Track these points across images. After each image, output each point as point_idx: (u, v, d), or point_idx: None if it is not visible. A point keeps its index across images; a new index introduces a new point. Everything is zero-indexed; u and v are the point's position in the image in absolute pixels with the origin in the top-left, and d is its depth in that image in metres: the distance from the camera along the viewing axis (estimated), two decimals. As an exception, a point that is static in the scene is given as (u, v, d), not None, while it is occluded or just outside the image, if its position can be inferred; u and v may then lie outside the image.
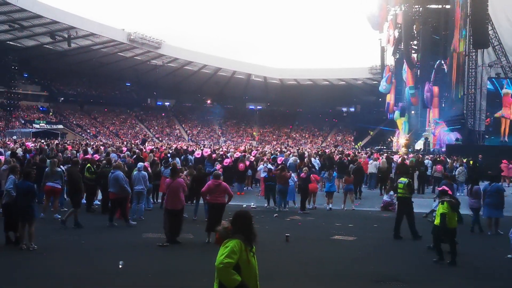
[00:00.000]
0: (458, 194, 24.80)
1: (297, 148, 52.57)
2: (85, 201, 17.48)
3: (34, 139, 49.91)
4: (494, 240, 14.52)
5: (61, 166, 17.19)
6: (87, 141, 52.06)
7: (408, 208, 14.22)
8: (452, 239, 11.28)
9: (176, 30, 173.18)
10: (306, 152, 31.38)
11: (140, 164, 16.78)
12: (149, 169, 17.93)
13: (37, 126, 68.99)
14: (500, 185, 15.55)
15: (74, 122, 77.01)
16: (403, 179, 14.67)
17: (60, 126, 71.54)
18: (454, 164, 26.69)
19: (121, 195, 14.54)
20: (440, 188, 12.50)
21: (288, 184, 19.02)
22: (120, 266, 9.77)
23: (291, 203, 19.94)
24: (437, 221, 11.37)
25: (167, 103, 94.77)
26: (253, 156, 27.31)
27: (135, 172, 16.06)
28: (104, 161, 17.79)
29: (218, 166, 22.05)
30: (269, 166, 21.67)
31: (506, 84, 34.85)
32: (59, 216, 15.05)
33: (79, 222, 14.05)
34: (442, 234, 11.28)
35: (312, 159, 26.15)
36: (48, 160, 16.53)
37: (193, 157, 26.27)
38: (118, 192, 14.41)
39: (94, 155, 20.81)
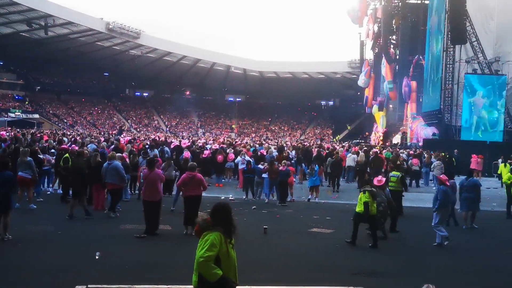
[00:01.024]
0: (434, 188, 25.16)
1: (276, 140, 52.72)
2: (60, 191, 17.35)
3: (9, 128, 49.32)
4: (469, 233, 14.72)
5: (40, 156, 17.08)
6: (64, 131, 51.62)
7: (398, 202, 14.34)
8: (372, 226, 12.30)
9: (155, 20, 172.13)
10: (285, 145, 31.52)
11: (118, 154, 16.61)
12: (127, 159, 17.80)
13: (13, 115, 68.09)
14: (477, 180, 15.75)
15: (50, 112, 76.15)
16: (396, 173, 14.84)
17: (36, 116, 70.70)
18: (431, 159, 26.96)
19: (120, 185, 14.53)
20: (375, 178, 13.52)
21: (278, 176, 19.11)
22: (97, 257, 9.70)
23: (265, 195, 20.03)
24: (359, 208, 12.18)
25: (145, 94, 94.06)
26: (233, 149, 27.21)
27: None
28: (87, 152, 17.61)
29: (186, 153, 22.16)
30: (247, 158, 21.71)
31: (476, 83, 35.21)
32: (34, 206, 14.92)
33: (72, 214, 13.94)
34: (365, 220, 12.23)
35: (289, 152, 26.25)
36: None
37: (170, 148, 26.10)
38: (117, 182, 14.35)
39: (72, 146, 20.58)
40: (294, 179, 20.61)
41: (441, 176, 13.63)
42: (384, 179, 13.90)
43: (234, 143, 32.30)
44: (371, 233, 12.26)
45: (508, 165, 26.14)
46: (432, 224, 12.61)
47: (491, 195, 22.33)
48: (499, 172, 26.44)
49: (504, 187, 19.77)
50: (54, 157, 18.87)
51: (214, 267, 5.01)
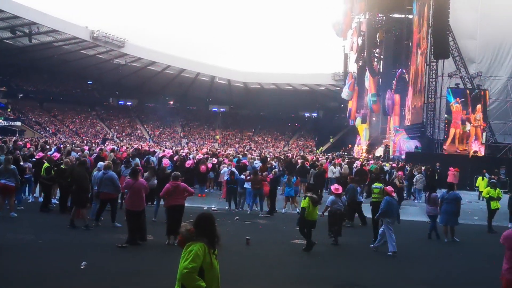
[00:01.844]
0: (416, 201, 25.33)
1: (259, 151, 52.71)
2: (41, 200, 17.24)
3: (-9, 135, 48.77)
4: (451, 247, 14.82)
5: (22, 164, 16.98)
6: (46, 139, 51.19)
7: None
8: (309, 230, 12.96)
9: (140, 29, 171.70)
10: (268, 156, 31.54)
11: (100, 163, 16.58)
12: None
13: (-6, 122, 67.34)
14: (457, 193, 15.85)
15: (33, 119, 75.44)
16: (379, 184, 14.94)
17: (19, 123, 69.89)
18: (414, 172, 27.13)
19: (115, 195, 14.45)
20: (332, 186, 15.07)
21: (263, 187, 19.12)
22: (83, 267, 9.61)
23: (248, 206, 20.01)
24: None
25: (129, 103, 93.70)
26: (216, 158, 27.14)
27: (95, 172, 15.88)
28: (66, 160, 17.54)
29: (165, 161, 22.13)
30: (233, 169, 21.68)
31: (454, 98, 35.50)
32: (15, 215, 14.78)
33: (74, 223, 13.95)
34: (304, 224, 13.01)
35: (273, 163, 26.27)
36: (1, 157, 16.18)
37: (156, 158, 26.00)
38: (112, 191, 14.25)
39: (54, 154, 20.42)
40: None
41: (387, 187, 13.92)
42: (340, 187, 14.79)
43: (217, 153, 32.22)
44: (306, 238, 13.00)
45: (486, 178, 26.50)
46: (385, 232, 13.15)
47: (473, 209, 22.54)
48: (477, 185, 26.72)
49: (483, 200, 20.00)
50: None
51: (198, 279, 4.99)
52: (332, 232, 14.03)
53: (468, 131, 35.21)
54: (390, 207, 13.17)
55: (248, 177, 19.72)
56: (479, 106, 35.08)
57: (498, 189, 18.86)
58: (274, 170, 20.31)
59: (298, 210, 19.98)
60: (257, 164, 24.63)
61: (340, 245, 13.87)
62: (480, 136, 35.25)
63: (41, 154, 19.70)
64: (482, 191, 23.81)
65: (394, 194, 13.81)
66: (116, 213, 14.66)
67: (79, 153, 21.99)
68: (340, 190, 14.52)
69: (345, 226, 15.99)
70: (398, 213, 13.62)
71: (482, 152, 35.14)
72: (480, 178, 27.14)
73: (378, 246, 13.43)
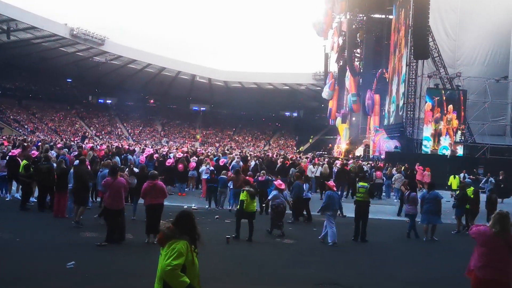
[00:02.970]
0: (395, 200, 25.48)
1: (240, 150, 52.69)
2: (19, 198, 17.07)
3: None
4: (429, 246, 14.92)
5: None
6: (25, 137, 50.67)
7: (366, 212, 14.63)
8: (251, 221, 14.02)
9: (120, 27, 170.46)
10: (249, 155, 31.53)
11: (77, 161, 16.47)
12: (88, 167, 17.56)
13: (-29, 119, 66.57)
14: (437, 192, 15.92)
15: (11, 117, 74.50)
16: (364, 184, 15.02)
17: (-4, 121, 69.27)
18: (393, 171, 27.29)
19: None
20: (275, 181, 16.37)
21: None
22: (71, 266, 9.53)
23: (229, 204, 20.01)
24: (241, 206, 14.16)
25: (109, 101, 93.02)
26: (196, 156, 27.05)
27: (72, 170, 15.75)
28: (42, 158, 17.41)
29: (142, 157, 22.06)
30: (211, 168, 21.66)
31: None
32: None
33: (79, 221, 13.90)
34: (242, 216, 14.08)
35: (253, 162, 26.29)
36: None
37: (135, 157, 25.84)
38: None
39: (32, 152, 20.21)
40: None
41: (329, 182, 15.13)
42: (283, 183, 16.20)
43: (196, 152, 32.12)
44: (250, 228, 13.92)
45: (457, 177, 26.79)
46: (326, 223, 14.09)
47: (451, 208, 22.63)
48: (449, 183, 26.94)
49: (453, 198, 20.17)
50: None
51: (182, 275, 4.99)
52: (279, 225, 14.96)
53: (439, 130, 35.62)
54: (332, 201, 14.10)
55: (231, 176, 19.76)
56: (450, 107, 35.47)
57: (471, 188, 19.03)
58: (262, 171, 20.35)
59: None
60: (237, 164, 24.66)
61: (321, 244, 13.92)
62: (451, 135, 35.59)
63: (15, 151, 19.40)
64: (455, 189, 24.02)
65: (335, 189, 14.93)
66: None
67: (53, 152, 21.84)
68: (283, 186, 15.81)
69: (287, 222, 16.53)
70: (341, 205, 14.72)
71: (459, 151, 35.49)
72: (452, 176, 27.36)
73: (325, 236, 14.07)
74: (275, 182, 16.30)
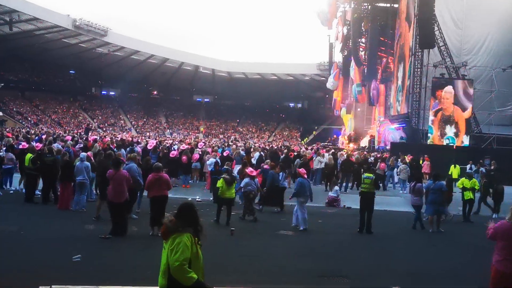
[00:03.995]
0: (400, 191, 25.46)
1: (244, 142, 52.70)
2: (24, 191, 17.12)
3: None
4: (435, 237, 14.92)
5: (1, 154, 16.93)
6: (28, 129, 50.80)
7: (372, 203, 14.62)
8: (229, 207, 15.04)
9: (123, 18, 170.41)
10: (252, 147, 31.53)
11: (83, 154, 16.54)
12: (92, 159, 17.60)
13: (-26, 112, 66.63)
14: (443, 183, 15.90)
15: (14, 109, 74.54)
16: (369, 174, 14.99)
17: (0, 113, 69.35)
18: (398, 162, 27.25)
19: (134, 188, 14.06)
20: (247, 169, 17.03)
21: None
22: (78, 259, 9.59)
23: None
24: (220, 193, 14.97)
25: (112, 93, 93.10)
26: (200, 149, 27.06)
27: (77, 163, 15.82)
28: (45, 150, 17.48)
29: (138, 149, 22.17)
30: (217, 159, 21.62)
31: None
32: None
33: (100, 215, 13.95)
34: (222, 202, 15.05)
35: (257, 153, 26.28)
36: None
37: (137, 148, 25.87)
38: (131, 185, 13.77)
39: (36, 144, 20.28)
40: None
41: (300, 169, 15.88)
42: (254, 171, 17.28)
43: (197, 144, 32.06)
44: (227, 213, 14.84)
45: (458, 166, 26.71)
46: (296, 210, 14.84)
47: (456, 199, 22.56)
48: (449, 173, 26.89)
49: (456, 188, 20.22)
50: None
51: (190, 270, 5.01)
52: (250, 211, 15.86)
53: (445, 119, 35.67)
54: (303, 188, 14.75)
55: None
56: (454, 97, 35.49)
57: (474, 179, 19.01)
58: (267, 161, 20.41)
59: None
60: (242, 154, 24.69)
61: (326, 235, 13.96)
62: (459, 126, 35.64)
63: (25, 144, 19.50)
64: (455, 179, 24.02)
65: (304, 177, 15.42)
66: (132, 204, 14.38)
67: (61, 144, 21.86)
68: (255, 173, 16.84)
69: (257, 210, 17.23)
70: (311, 192, 15.23)
71: (465, 141, 35.43)
72: (452, 166, 27.28)
73: (296, 224, 14.81)
74: (246, 170, 16.90)
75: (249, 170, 16.67)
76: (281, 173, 18.77)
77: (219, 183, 15.04)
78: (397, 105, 44.08)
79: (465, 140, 35.55)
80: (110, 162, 13.92)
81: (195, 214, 5.35)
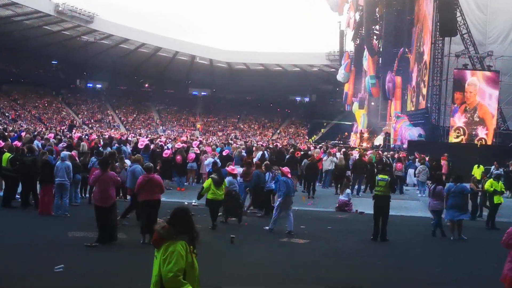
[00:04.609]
0: (419, 195, 25.45)
1: (245, 140, 52.70)
2: (2, 194, 17.14)
3: None
4: (457, 245, 14.90)
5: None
6: (5, 126, 50.85)
7: (387, 208, 14.54)
8: (216, 209, 15.41)
9: (111, 3, 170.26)
10: (255, 146, 31.54)
11: (64, 153, 16.50)
12: (76, 158, 17.62)
13: None
14: (465, 185, 15.81)
15: (-10, 104, 74.89)
16: (384, 176, 14.86)
17: (-26, 108, 69.59)
18: (415, 162, 27.25)
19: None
20: (228, 167, 17.49)
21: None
22: (60, 270, 9.61)
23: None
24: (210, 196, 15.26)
25: (99, 86, 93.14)
26: (195, 147, 27.07)
27: (58, 162, 15.81)
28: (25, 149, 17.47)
29: (128, 148, 22.24)
30: (216, 159, 21.61)
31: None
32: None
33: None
34: (217, 205, 15.45)
35: (260, 152, 26.25)
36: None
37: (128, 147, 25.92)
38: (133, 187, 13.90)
39: (15, 143, 20.29)
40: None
41: (283, 168, 15.74)
42: (236, 168, 17.82)
43: (191, 141, 32.08)
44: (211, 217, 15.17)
45: (482, 166, 26.65)
46: (274, 209, 15.44)
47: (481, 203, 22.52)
48: (472, 173, 26.88)
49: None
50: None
51: (185, 282, 5.02)
52: (226, 211, 16.28)
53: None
54: (289, 187, 15.03)
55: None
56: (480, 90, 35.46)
57: (501, 182, 18.97)
58: (265, 163, 20.21)
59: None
60: (243, 154, 24.70)
61: (334, 243, 13.96)
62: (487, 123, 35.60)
63: (1, 143, 19.49)
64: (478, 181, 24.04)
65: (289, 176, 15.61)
66: (130, 211, 14.63)
67: (41, 141, 21.89)
68: (236, 171, 17.40)
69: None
70: (294, 192, 15.81)
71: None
72: (476, 166, 27.25)
73: (272, 228, 15.19)
74: (227, 168, 17.31)
75: (230, 168, 17.17)
76: (267, 173, 18.44)
77: (206, 184, 15.36)
78: (415, 99, 44.08)
79: (491, 138, 35.50)
80: (111, 161, 13.99)
81: (190, 219, 5.33)
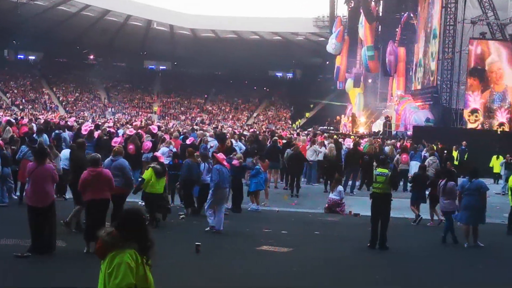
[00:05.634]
0: (427, 192, 25.57)
1: (214, 125, 52.63)
2: None
3: None
4: (472, 253, 14.99)
5: None
6: None
7: (387, 208, 14.49)
8: (153, 204, 15.60)
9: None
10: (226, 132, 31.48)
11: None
12: (4, 149, 17.43)
13: None
14: (482, 181, 15.60)
15: None
16: (383, 170, 14.72)
17: None
18: (423, 151, 27.38)
19: (126, 190, 14.17)
20: None
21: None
22: None
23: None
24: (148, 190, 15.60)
25: (32, 57, 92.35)
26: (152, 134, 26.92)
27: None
28: None
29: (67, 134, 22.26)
30: (174, 149, 21.51)
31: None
32: None
33: (82, 224, 13.76)
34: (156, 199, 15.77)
35: (234, 141, 26.17)
36: None
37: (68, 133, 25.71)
38: (123, 186, 13.77)
39: None
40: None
41: (218, 154, 16.47)
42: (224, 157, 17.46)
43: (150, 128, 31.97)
44: (149, 213, 15.01)
45: (501, 157, 26.90)
46: (205, 207, 15.76)
47: (501, 203, 22.61)
48: (490, 165, 27.09)
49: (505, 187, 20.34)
50: None
51: None
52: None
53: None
54: (222, 177, 15.41)
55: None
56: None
57: None
58: (238, 155, 20.11)
59: (269, 207, 20.12)
60: (213, 142, 24.52)
61: (324, 252, 13.99)
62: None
63: None
64: (497, 173, 24.28)
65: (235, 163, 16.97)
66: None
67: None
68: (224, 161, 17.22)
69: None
70: (230, 184, 16.47)
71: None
72: (494, 157, 27.47)
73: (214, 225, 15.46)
74: (217, 155, 16.93)
75: (220, 156, 16.81)
76: (202, 163, 18.22)
77: (146, 174, 15.68)
78: (422, 76, 44.30)
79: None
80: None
81: (142, 223, 5.29)
